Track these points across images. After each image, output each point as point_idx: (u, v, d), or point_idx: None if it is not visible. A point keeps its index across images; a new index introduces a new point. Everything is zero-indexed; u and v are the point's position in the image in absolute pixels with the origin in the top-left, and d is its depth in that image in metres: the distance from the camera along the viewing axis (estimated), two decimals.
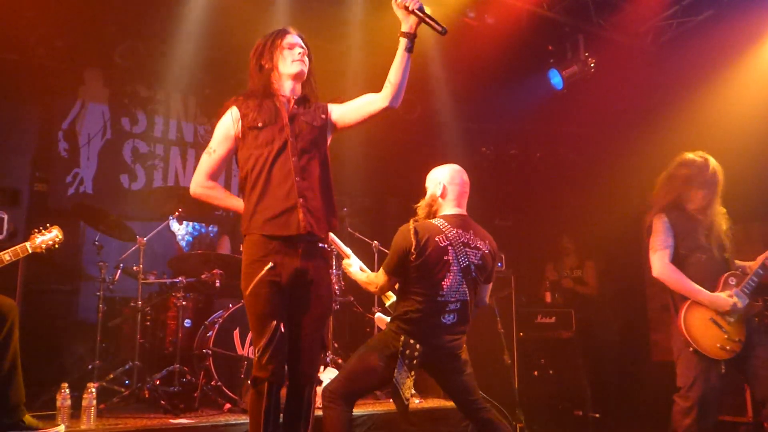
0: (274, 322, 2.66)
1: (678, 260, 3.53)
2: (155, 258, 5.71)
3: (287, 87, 2.94)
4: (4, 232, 4.14)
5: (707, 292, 3.45)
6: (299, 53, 2.92)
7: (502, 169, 7.66)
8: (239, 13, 5.72)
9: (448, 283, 3.26)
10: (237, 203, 2.93)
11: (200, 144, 6.79)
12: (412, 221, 3.40)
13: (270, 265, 2.69)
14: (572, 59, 6.12)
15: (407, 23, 2.78)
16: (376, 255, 5.68)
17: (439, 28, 2.72)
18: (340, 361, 5.23)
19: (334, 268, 5.14)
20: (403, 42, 2.79)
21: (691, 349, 3.40)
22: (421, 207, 3.49)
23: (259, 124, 2.83)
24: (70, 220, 5.92)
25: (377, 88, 7.38)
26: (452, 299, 3.27)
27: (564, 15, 5.91)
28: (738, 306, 3.40)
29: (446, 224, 3.36)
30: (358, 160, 7.08)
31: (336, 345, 5.41)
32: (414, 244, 3.22)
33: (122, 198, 6.34)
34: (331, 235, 3.78)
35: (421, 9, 2.75)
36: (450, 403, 3.81)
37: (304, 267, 2.76)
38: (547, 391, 6.07)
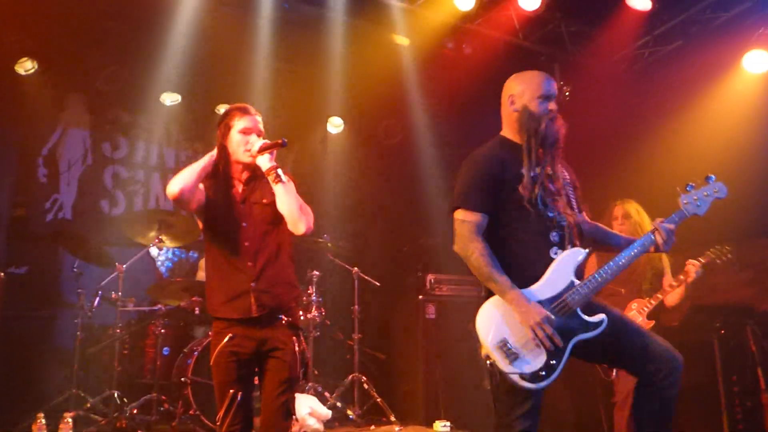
0: (232, 391, 2.78)
1: None
2: (136, 284, 5.68)
3: (239, 168, 2.99)
4: None
5: None
6: (254, 141, 2.94)
7: None
8: (223, 40, 5.80)
9: None
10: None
11: (181, 170, 6.77)
12: None
13: (229, 336, 2.82)
14: None
15: (262, 165, 2.87)
16: (356, 281, 5.71)
17: (280, 142, 2.86)
18: (320, 388, 5.23)
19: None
20: (270, 179, 2.87)
21: None
22: None
23: (215, 207, 2.93)
24: (48, 245, 5.91)
25: (356, 111, 7.44)
26: None
27: (539, 45, 6.04)
28: None
29: None
30: (339, 186, 7.14)
31: (316, 372, 5.41)
32: None
33: (102, 224, 6.31)
34: None
35: (261, 147, 2.86)
36: None
37: (264, 337, 2.85)
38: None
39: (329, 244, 5.82)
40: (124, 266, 5.11)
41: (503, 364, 2.48)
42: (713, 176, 2.81)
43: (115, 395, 4.77)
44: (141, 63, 6.14)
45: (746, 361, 5.12)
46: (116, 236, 5.96)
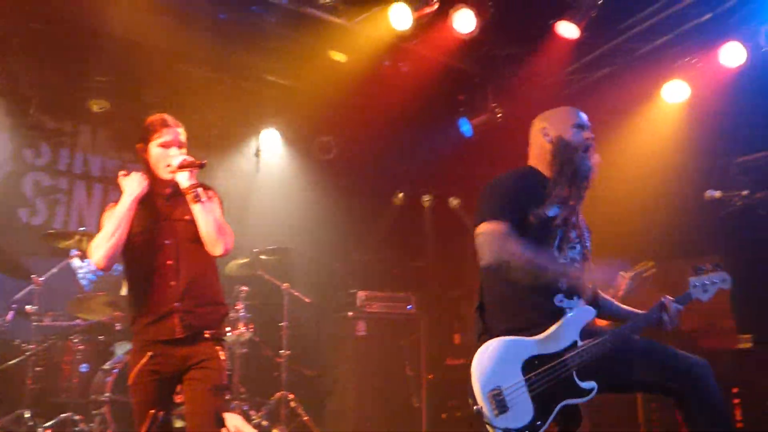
0: (152, 411, 2.70)
1: None
2: (55, 298, 5.42)
3: (160, 183, 2.91)
4: None
5: None
6: (174, 155, 2.84)
7: (416, 211, 7.80)
8: (156, 49, 5.67)
9: None
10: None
11: (108, 179, 6.56)
12: None
13: (150, 354, 2.74)
14: (481, 108, 6.39)
15: (181, 183, 2.80)
16: (286, 297, 5.64)
17: (199, 163, 2.79)
18: (245, 407, 5.12)
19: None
20: (188, 198, 2.80)
21: None
22: None
23: (135, 231, 2.82)
24: None
25: (291, 125, 7.38)
26: None
27: (474, 66, 6.17)
28: None
29: None
30: (272, 200, 7.05)
31: (243, 390, 5.29)
32: None
33: (19, 233, 6.00)
34: None
35: (180, 164, 2.79)
36: None
37: (187, 353, 2.78)
38: None
39: (260, 258, 5.72)
40: (42, 278, 4.89)
41: (491, 416, 2.37)
42: (721, 265, 2.84)
43: (27, 415, 4.53)
44: (68, 68, 5.93)
45: None
46: (34, 247, 5.70)
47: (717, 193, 4.14)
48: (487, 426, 2.38)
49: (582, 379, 2.49)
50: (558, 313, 2.54)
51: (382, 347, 5.78)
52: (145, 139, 2.89)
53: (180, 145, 2.90)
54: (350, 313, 5.78)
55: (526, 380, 2.43)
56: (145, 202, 2.88)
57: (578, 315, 2.56)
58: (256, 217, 6.76)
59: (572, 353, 2.48)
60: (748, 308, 5.23)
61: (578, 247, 2.66)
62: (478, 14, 5.26)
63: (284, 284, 5.67)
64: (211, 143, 6.64)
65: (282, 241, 6.27)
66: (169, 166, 2.83)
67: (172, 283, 2.79)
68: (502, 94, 6.41)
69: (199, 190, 2.80)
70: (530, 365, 2.45)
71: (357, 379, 5.62)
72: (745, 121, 5.22)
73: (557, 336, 2.50)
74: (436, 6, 5.19)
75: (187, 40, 5.62)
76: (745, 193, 4.23)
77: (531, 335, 2.49)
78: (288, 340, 5.57)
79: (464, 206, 7.92)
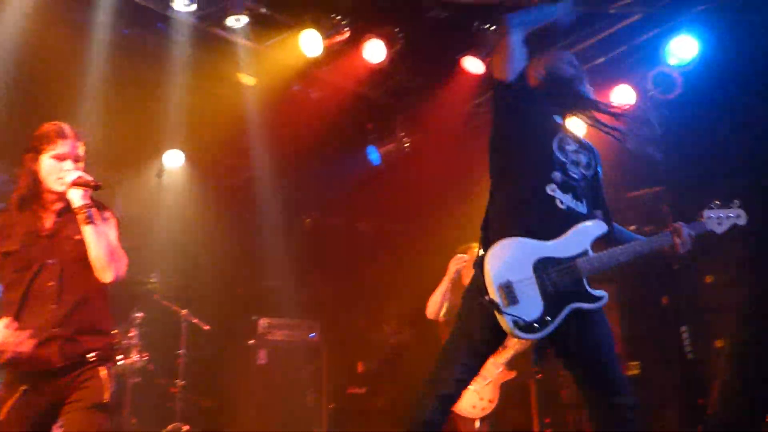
0: None
1: None
2: None
3: (51, 197, 2.71)
4: None
5: None
6: (69, 169, 2.65)
7: (323, 237, 7.76)
8: (53, 60, 5.39)
9: None
10: None
11: None
12: None
13: (23, 388, 2.52)
14: (389, 137, 6.49)
15: (73, 201, 2.63)
16: (184, 324, 5.44)
17: (93, 183, 2.64)
18: None
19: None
20: (79, 218, 2.63)
21: None
22: None
23: (13, 249, 2.61)
24: None
25: (197, 147, 7.18)
26: None
27: (384, 95, 6.27)
28: None
29: None
30: (174, 223, 6.81)
31: (134, 421, 5.02)
32: None
33: None
34: None
35: (74, 181, 2.62)
36: None
37: (66, 382, 2.57)
38: None
39: (155, 284, 5.49)
40: None
41: (502, 305, 2.47)
42: (738, 201, 2.87)
43: None
44: None
45: (559, 404, 5.52)
46: None
47: None
48: (498, 316, 2.48)
49: (592, 287, 2.60)
50: (551, 203, 2.64)
51: (283, 376, 5.66)
52: (37, 149, 2.67)
53: (77, 159, 2.70)
54: (251, 341, 5.63)
55: (537, 278, 2.54)
56: (28, 218, 2.68)
57: (592, 227, 2.68)
58: (157, 241, 6.50)
59: (583, 259, 2.60)
60: (636, 336, 5.52)
61: (584, 159, 2.83)
62: (389, 45, 5.37)
63: (183, 310, 5.45)
64: (111, 162, 6.34)
65: (182, 267, 6.06)
66: (61, 179, 2.64)
67: (52, 306, 2.58)
68: (410, 124, 6.55)
69: (92, 210, 2.62)
70: (541, 265, 2.56)
71: (257, 409, 5.46)
72: (634, 159, 5.55)
73: (569, 242, 2.62)
74: (347, 35, 5.25)
75: (88, 53, 5.39)
76: (632, 227, 4.50)
77: (540, 238, 2.59)
78: (184, 368, 5.35)
79: (372, 233, 7.96)
